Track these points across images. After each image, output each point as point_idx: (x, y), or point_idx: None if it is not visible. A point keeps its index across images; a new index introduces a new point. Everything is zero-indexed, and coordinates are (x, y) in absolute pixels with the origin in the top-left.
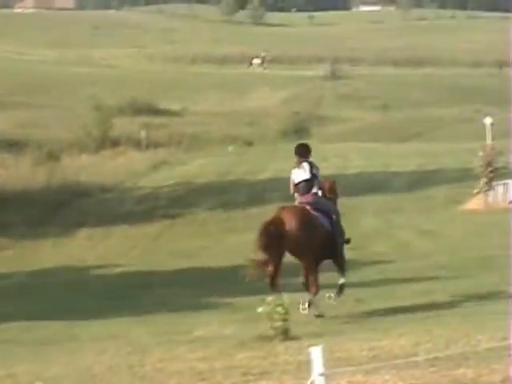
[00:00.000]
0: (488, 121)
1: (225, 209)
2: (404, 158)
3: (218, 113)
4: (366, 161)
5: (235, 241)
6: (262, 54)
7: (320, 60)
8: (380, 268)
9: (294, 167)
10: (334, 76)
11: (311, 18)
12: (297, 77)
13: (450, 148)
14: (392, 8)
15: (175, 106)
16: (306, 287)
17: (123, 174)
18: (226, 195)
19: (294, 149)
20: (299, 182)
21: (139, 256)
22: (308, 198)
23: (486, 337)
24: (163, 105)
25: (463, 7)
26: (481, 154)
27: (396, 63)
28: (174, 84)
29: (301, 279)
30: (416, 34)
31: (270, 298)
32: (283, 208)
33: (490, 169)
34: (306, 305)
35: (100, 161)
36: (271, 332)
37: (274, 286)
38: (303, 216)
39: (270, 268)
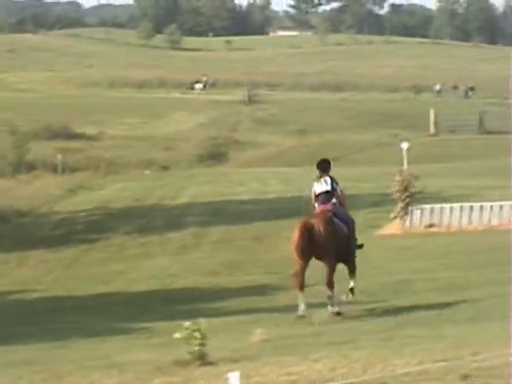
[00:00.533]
0: (404, 146)
1: (141, 233)
2: None
3: (134, 137)
4: (284, 185)
5: (152, 266)
6: (204, 78)
7: (237, 84)
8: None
9: (315, 180)
10: (250, 101)
11: (228, 42)
12: (214, 101)
13: (368, 172)
14: (309, 33)
15: (92, 130)
16: (329, 287)
17: (39, 199)
18: (142, 220)
19: (316, 164)
20: (320, 194)
21: (56, 281)
22: (327, 206)
23: (402, 361)
24: (80, 129)
25: (380, 33)
26: (398, 178)
27: (313, 88)
28: (91, 108)
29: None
30: (333, 59)
31: (186, 323)
32: (313, 215)
33: (406, 193)
34: (335, 306)
35: (16, 185)
36: (188, 357)
37: (303, 290)
38: (331, 222)
39: (300, 275)
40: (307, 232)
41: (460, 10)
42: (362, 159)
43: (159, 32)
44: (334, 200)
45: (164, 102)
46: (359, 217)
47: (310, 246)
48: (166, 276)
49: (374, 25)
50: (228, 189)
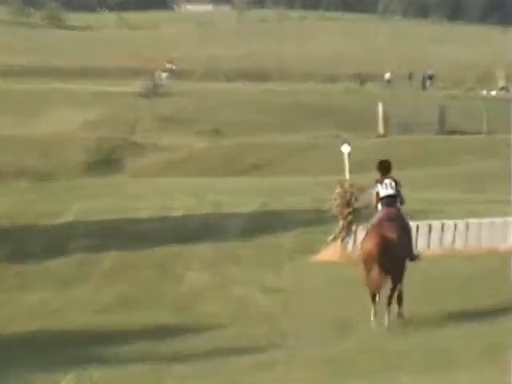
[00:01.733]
0: (346, 149)
1: (15, 261)
2: (241, 195)
3: (3, 139)
4: (193, 199)
5: (29, 301)
6: (168, 66)
7: (135, 73)
8: (210, 335)
9: (377, 182)
10: (152, 93)
11: (122, 19)
12: (105, 94)
13: (299, 183)
14: (226, 8)
15: None
16: (390, 300)
17: None
18: (15, 244)
19: (376, 165)
20: (384, 197)
21: None
22: (392, 212)
23: None
24: None
25: (314, 7)
26: (338, 190)
27: (231, 77)
28: None
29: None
30: (256, 40)
31: (70, 376)
32: (383, 225)
33: (348, 209)
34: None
35: None
36: None
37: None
38: (402, 233)
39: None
40: (386, 240)
41: None
42: (292, 166)
43: (35, 7)
44: (398, 204)
45: (41, 95)
46: (288, 239)
47: (388, 255)
48: (47, 313)
49: None
50: (123, 204)
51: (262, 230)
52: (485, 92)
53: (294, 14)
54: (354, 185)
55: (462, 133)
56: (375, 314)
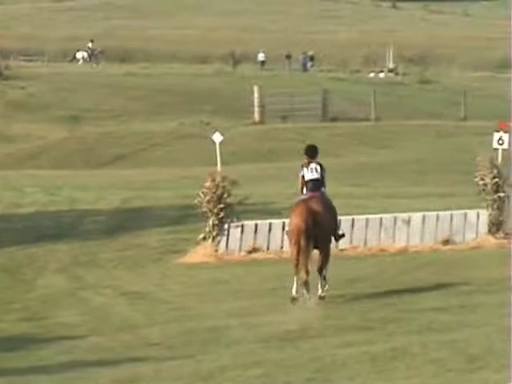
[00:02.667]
0: (217, 138)
1: None
2: (101, 190)
3: None
4: (48, 195)
5: None
6: (89, 45)
7: None
8: (67, 345)
9: (303, 166)
10: None
11: None
12: None
13: (166, 176)
14: None
15: None
16: (320, 272)
17: None
18: None
19: (304, 149)
20: (309, 180)
21: None
22: (317, 194)
23: None
24: None
25: None
26: (208, 184)
27: (89, 57)
28: None
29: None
30: (115, 17)
31: None
32: (307, 201)
33: (220, 205)
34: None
35: None
36: None
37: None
38: (326, 209)
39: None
40: (311, 216)
41: None
42: (157, 157)
43: None
44: (322, 188)
45: None
46: (153, 238)
47: (314, 229)
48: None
49: None
50: None
51: (123, 228)
52: (372, 74)
53: None
54: (227, 178)
55: (348, 119)
56: (299, 274)
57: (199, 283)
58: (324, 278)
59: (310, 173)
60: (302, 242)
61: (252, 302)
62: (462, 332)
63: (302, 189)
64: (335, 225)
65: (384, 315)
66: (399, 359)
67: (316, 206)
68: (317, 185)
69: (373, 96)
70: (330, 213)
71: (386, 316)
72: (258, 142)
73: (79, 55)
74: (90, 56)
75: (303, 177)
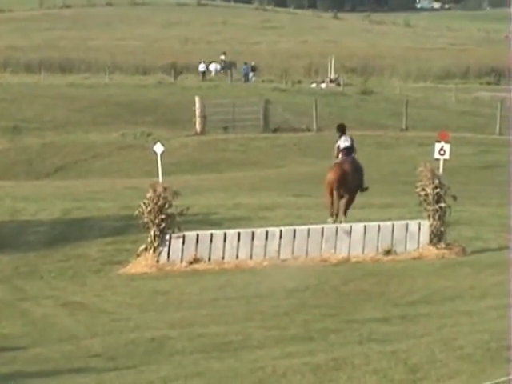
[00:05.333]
0: (159, 149)
1: None
2: (42, 201)
3: None
4: None
5: None
6: None
7: None
8: (8, 357)
9: (339, 137)
10: None
11: None
12: None
13: (106, 186)
14: None
15: None
16: (345, 211)
17: None
18: None
19: (336, 127)
20: (344, 148)
21: None
22: (349, 158)
23: None
24: None
25: None
26: (149, 195)
27: (30, 68)
28: None
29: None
30: (57, 28)
31: None
32: (341, 163)
33: (161, 216)
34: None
35: None
36: None
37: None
38: (355, 169)
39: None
40: (343, 174)
41: None
42: (98, 168)
43: None
44: (353, 154)
45: None
46: (94, 249)
47: (344, 184)
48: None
49: None
50: None
51: (65, 239)
52: (314, 85)
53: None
54: (168, 188)
55: (290, 130)
56: (331, 215)
57: (140, 294)
58: (344, 214)
59: (344, 142)
60: (334, 192)
61: (193, 313)
62: (403, 342)
63: (338, 155)
64: (361, 181)
65: (325, 326)
66: (341, 370)
67: (347, 166)
68: (349, 151)
69: (314, 106)
70: (358, 172)
71: (328, 326)
72: (199, 153)
73: None
74: None
75: (338, 147)
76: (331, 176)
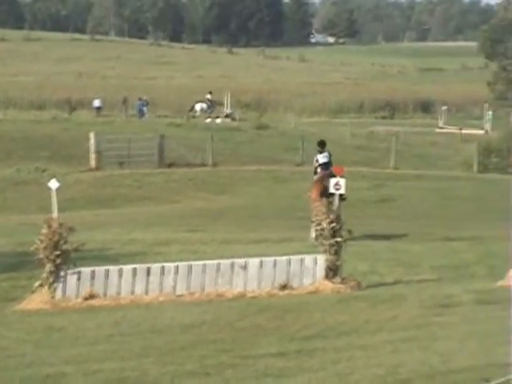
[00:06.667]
0: (54, 185)
1: None
2: None
3: None
4: None
5: None
6: None
7: None
8: None
9: (318, 153)
10: None
11: None
12: None
13: (2, 223)
14: None
15: None
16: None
17: None
18: None
19: (317, 142)
20: (322, 163)
21: None
22: (327, 173)
23: None
24: None
25: (18, 26)
26: (45, 231)
27: None
28: None
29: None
30: None
31: None
32: (321, 178)
33: (57, 252)
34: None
35: None
36: None
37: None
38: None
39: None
40: (325, 188)
41: None
42: None
43: None
44: (331, 168)
45: None
46: None
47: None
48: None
49: (9, 14)
50: None
51: None
52: (209, 120)
53: None
54: (64, 224)
55: (185, 165)
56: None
57: (36, 330)
58: None
59: (322, 158)
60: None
61: (89, 349)
62: (299, 377)
63: (316, 169)
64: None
65: (221, 361)
66: None
67: (326, 181)
68: (327, 166)
69: (210, 142)
70: None
71: (224, 362)
72: (94, 189)
73: None
74: None
75: (317, 160)
76: (315, 194)
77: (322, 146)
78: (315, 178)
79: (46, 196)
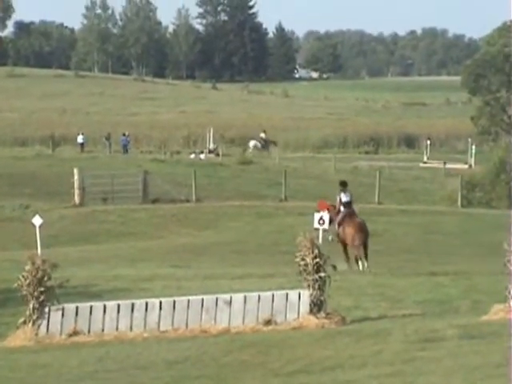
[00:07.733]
0: (37, 221)
1: None
2: None
3: None
4: None
5: None
6: None
7: None
8: None
9: (340, 192)
10: None
11: None
12: None
13: None
14: None
15: None
16: (358, 260)
17: None
18: None
19: (339, 182)
20: (346, 202)
21: None
22: (352, 211)
23: None
24: None
25: (1, 63)
26: (28, 268)
27: None
28: None
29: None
30: None
31: None
32: (355, 218)
33: (41, 289)
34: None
35: None
36: None
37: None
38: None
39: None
40: (360, 223)
41: (115, 30)
42: None
43: None
44: (353, 206)
45: None
46: None
47: (364, 231)
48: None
49: None
50: None
51: None
52: (193, 156)
53: None
54: (47, 261)
55: (169, 201)
56: (349, 266)
57: (19, 367)
58: (366, 259)
59: (345, 197)
60: (357, 242)
61: None
62: None
63: (339, 208)
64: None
65: None
66: None
67: (357, 218)
68: (350, 205)
69: (193, 177)
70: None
71: None
72: (78, 225)
73: None
74: None
75: (340, 200)
76: (350, 228)
77: (343, 185)
78: (340, 215)
79: (30, 233)
